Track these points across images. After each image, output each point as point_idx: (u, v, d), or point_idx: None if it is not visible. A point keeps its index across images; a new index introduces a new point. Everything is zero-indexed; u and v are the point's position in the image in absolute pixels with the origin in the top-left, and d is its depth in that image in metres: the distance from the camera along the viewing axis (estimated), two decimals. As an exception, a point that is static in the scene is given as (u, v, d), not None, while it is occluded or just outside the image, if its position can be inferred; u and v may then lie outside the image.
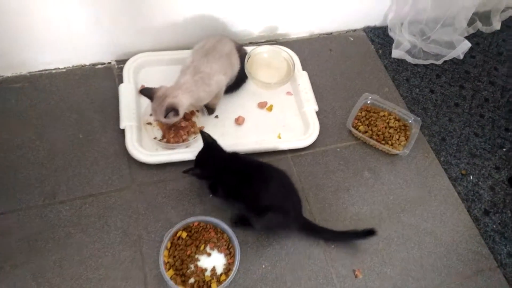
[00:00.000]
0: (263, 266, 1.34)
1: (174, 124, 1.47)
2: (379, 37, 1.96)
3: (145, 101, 1.54)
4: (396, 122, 1.66)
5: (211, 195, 1.44)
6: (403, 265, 1.40)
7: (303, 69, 1.74)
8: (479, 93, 1.86)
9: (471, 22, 1.99)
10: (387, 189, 1.55)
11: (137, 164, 1.46)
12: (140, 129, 1.52)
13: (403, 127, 1.66)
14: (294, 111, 1.68)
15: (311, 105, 1.64)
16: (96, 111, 1.58)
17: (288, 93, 1.72)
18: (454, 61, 1.94)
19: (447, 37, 1.89)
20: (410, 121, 1.66)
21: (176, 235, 1.32)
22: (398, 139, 1.62)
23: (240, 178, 1.31)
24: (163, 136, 1.52)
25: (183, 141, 1.49)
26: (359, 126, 1.64)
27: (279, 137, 1.59)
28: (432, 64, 1.91)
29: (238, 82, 1.67)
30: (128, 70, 1.62)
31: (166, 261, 1.27)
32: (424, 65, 1.91)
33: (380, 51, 1.92)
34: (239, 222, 1.39)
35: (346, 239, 1.42)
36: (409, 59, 1.90)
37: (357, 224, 1.45)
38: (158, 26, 1.63)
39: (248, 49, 1.69)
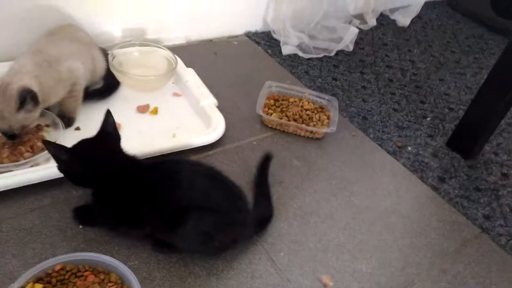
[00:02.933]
0: (186, 307, 0.82)
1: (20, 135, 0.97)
2: (264, 39, 1.77)
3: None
4: (311, 104, 1.39)
5: (80, 226, 0.91)
6: (378, 256, 1.01)
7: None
8: (381, 75, 1.74)
9: (348, 21, 1.94)
10: (325, 175, 1.20)
11: None
12: None
13: (319, 109, 1.38)
14: (187, 110, 1.29)
15: (209, 99, 1.28)
16: None
17: (176, 94, 1.34)
18: (345, 53, 1.83)
19: (333, 26, 1.79)
20: (325, 102, 1.39)
21: None
22: (319, 119, 1.33)
23: (145, 183, 0.85)
24: (-7, 160, 0.98)
25: (25, 160, 0.98)
26: (271, 114, 1.32)
27: (175, 137, 1.17)
28: (325, 57, 1.76)
29: (108, 87, 1.26)
30: None
31: None
32: (318, 59, 1.74)
33: (270, 51, 1.71)
34: (161, 246, 0.90)
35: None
36: (301, 54, 1.72)
37: (306, 218, 1.05)
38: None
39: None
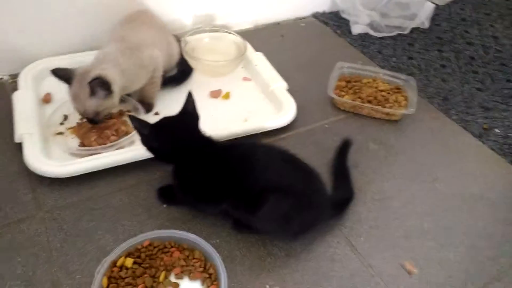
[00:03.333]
0: (267, 287, 0.83)
1: (100, 121, 1.02)
2: (332, 20, 1.71)
3: (50, 109, 1.11)
4: (386, 84, 1.33)
5: (164, 205, 0.95)
6: (467, 244, 0.95)
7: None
8: (461, 53, 1.61)
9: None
10: (404, 159, 1.14)
11: (45, 183, 0.96)
12: (46, 140, 1.04)
13: (395, 89, 1.32)
14: (258, 94, 1.29)
15: (279, 82, 1.27)
16: (-23, 133, 1.09)
17: (245, 78, 1.35)
18: (420, 30, 1.72)
19: (406, 2, 1.69)
20: (401, 82, 1.32)
21: (115, 265, 0.79)
22: (396, 101, 1.27)
23: (222, 162, 0.87)
24: (82, 143, 1.04)
25: (111, 143, 1.03)
26: (344, 96, 1.28)
27: (246, 121, 1.17)
28: (399, 35, 1.67)
29: (182, 74, 1.28)
30: (25, 78, 1.19)
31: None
32: (391, 37, 1.65)
33: (339, 31, 1.65)
34: (240, 226, 0.91)
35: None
36: (373, 33, 1.65)
37: (385, 203, 1.02)
38: (60, 24, 1.25)
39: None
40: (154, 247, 0.83)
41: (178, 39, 1.30)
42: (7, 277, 0.80)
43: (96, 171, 0.98)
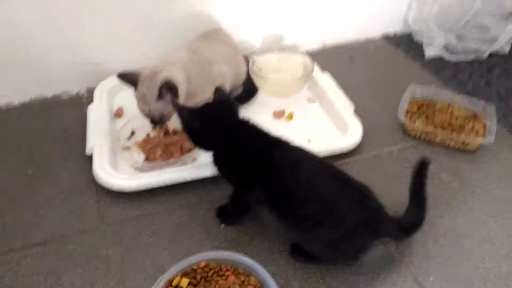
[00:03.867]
0: (327, 322, 0.78)
1: (162, 123, 1.04)
2: (404, 42, 1.65)
3: (120, 123, 1.15)
4: (462, 111, 1.23)
5: (222, 225, 0.93)
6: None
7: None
8: (548, 80, 1.47)
9: (504, 18, 1.70)
10: (482, 193, 1.04)
11: (109, 196, 0.99)
12: (115, 153, 1.08)
13: (472, 117, 1.22)
14: (322, 115, 1.26)
15: (345, 103, 1.23)
16: (55, 141, 1.15)
17: (310, 99, 1.32)
18: (500, 55, 1.60)
19: (485, 24, 1.58)
20: (479, 109, 1.23)
21: (171, 284, 0.79)
22: (472, 129, 1.17)
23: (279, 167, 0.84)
24: (147, 158, 1.07)
25: (175, 158, 1.04)
26: (415, 121, 1.21)
27: (310, 142, 1.14)
28: (475, 59, 1.56)
29: (247, 93, 1.29)
30: (100, 91, 1.26)
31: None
32: (467, 62, 1.55)
33: (411, 53, 1.58)
34: (298, 254, 0.88)
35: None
36: (447, 56, 1.56)
37: (459, 240, 0.93)
38: (140, 37, 1.31)
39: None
40: (210, 269, 0.82)
41: (246, 59, 1.31)
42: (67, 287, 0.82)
43: (158, 187, 0.99)
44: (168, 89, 0.97)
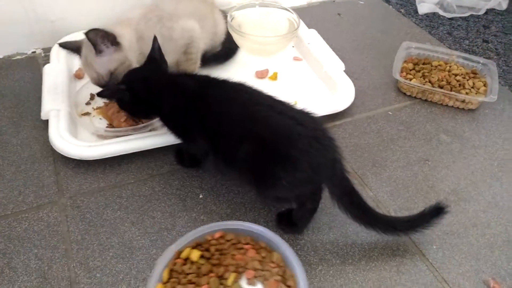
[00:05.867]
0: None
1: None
2: (395, -2, 1.53)
3: (80, 85, 1.02)
4: (461, 68, 1.13)
5: (200, 195, 0.82)
6: None
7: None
8: (547, 36, 1.38)
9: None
10: (484, 154, 0.96)
11: (69, 166, 0.86)
12: (74, 120, 0.94)
13: (471, 74, 1.12)
14: (310, 75, 1.14)
15: (334, 62, 1.11)
16: (6, 106, 1.01)
17: (296, 58, 1.20)
18: (497, 11, 1.50)
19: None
20: (479, 66, 1.13)
21: (179, 256, 0.67)
22: (473, 86, 1.08)
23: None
24: (110, 125, 0.94)
25: (143, 124, 0.91)
26: (411, 79, 1.10)
27: (296, 104, 1.03)
28: (471, 16, 1.46)
29: (225, 52, 1.15)
30: (57, 51, 1.11)
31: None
32: (463, 18, 1.45)
33: (402, 10, 1.47)
34: (286, 224, 0.79)
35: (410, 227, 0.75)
36: (442, 12, 1.45)
37: (462, 206, 0.84)
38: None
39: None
40: (227, 241, 0.69)
41: (225, 15, 1.17)
42: (20, 271, 0.70)
43: (125, 155, 0.87)
44: (103, 39, 0.83)
